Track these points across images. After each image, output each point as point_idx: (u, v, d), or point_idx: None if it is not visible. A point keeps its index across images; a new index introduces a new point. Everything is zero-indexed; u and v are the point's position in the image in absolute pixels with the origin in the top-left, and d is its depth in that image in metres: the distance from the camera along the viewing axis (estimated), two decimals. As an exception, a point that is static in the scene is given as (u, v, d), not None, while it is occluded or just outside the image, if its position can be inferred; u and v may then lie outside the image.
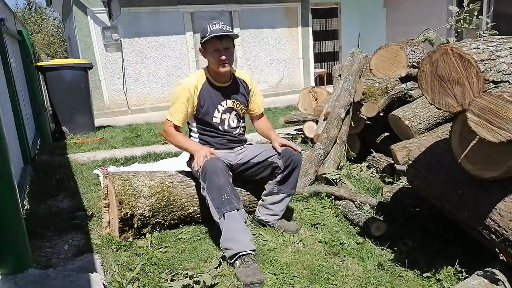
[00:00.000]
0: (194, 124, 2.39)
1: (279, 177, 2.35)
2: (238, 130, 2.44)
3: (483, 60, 1.48)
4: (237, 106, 2.41)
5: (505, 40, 1.65)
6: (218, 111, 2.35)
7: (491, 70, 1.48)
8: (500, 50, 1.56)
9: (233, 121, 2.41)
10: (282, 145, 2.33)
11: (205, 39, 2.20)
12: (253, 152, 2.39)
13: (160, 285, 1.82)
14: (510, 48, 1.59)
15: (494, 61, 1.50)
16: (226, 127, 2.38)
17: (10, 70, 3.57)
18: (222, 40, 2.20)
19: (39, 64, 5.78)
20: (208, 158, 2.10)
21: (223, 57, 2.21)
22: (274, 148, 2.33)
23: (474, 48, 1.52)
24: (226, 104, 2.36)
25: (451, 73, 1.54)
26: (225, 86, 2.37)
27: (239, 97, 2.42)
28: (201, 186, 2.16)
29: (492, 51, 1.53)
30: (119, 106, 8.36)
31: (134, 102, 8.46)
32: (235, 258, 1.96)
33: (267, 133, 2.54)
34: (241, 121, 2.47)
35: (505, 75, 1.50)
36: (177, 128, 2.31)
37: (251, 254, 1.97)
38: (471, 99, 1.47)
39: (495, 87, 1.48)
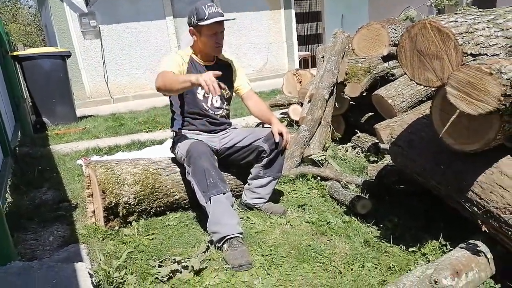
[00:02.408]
0: (178, 105, 2.36)
1: (264, 160, 2.35)
2: (220, 111, 2.41)
3: (461, 33, 1.47)
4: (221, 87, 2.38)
5: (483, 13, 1.65)
6: (202, 88, 2.30)
7: (469, 43, 1.47)
8: (478, 23, 1.56)
9: (216, 101, 2.39)
10: (279, 134, 2.28)
11: (204, 22, 2.16)
12: (238, 137, 2.37)
13: (148, 272, 1.81)
14: (487, 21, 1.59)
15: (472, 34, 1.50)
16: (209, 105, 2.36)
17: (-17, 60, 3.45)
18: (220, 24, 2.22)
19: (14, 53, 5.60)
20: (212, 81, 1.88)
21: (220, 41, 2.26)
22: (273, 134, 2.28)
23: (452, 22, 1.51)
24: None
25: (430, 47, 1.53)
26: (209, 65, 2.35)
27: (222, 78, 2.39)
28: (186, 171, 2.14)
29: (470, 24, 1.53)
30: (101, 95, 8.20)
31: (116, 91, 8.31)
32: (222, 242, 1.96)
33: (267, 117, 2.43)
34: (225, 103, 2.44)
35: (483, 47, 1.50)
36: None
37: (239, 237, 1.97)
38: (450, 72, 1.47)
39: (473, 60, 1.48)
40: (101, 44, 7.94)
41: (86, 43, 7.86)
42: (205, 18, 2.16)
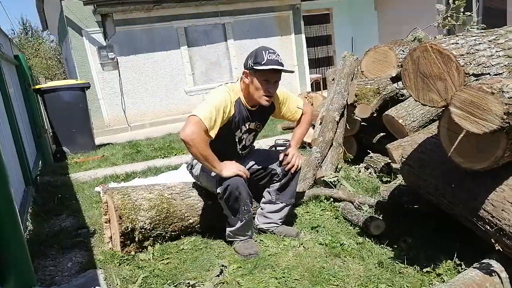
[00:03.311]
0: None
1: (277, 184, 2.39)
2: (248, 149, 2.46)
3: (463, 55, 1.52)
4: (258, 127, 2.41)
5: (484, 34, 1.69)
6: (241, 131, 2.30)
7: (471, 63, 1.51)
8: (479, 43, 1.60)
9: (249, 140, 2.41)
10: (285, 155, 2.36)
11: (259, 67, 2.08)
12: (253, 159, 2.44)
13: (163, 296, 1.84)
14: (489, 41, 1.63)
15: (474, 55, 1.54)
16: (240, 146, 2.38)
17: (8, 94, 3.63)
18: (275, 72, 2.13)
19: (37, 87, 5.86)
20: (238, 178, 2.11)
21: (272, 90, 2.17)
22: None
23: (453, 44, 1.56)
24: (249, 125, 2.33)
25: (432, 69, 1.57)
26: (253, 110, 2.30)
27: (262, 119, 2.40)
28: (218, 194, 2.18)
29: (471, 45, 1.57)
30: (119, 123, 8.43)
31: (134, 119, 8.53)
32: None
33: (292, 138, 2.54)
34: (255, 140, 2.48)
35: (485, 67, 1.54)
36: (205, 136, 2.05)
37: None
38: (453, 93, 1.51)
39: (476, 79, 1.51)
40: (119, 74, 8.24)
41: (104, 74, 8.17)
42: (262, 63, 2.08)
